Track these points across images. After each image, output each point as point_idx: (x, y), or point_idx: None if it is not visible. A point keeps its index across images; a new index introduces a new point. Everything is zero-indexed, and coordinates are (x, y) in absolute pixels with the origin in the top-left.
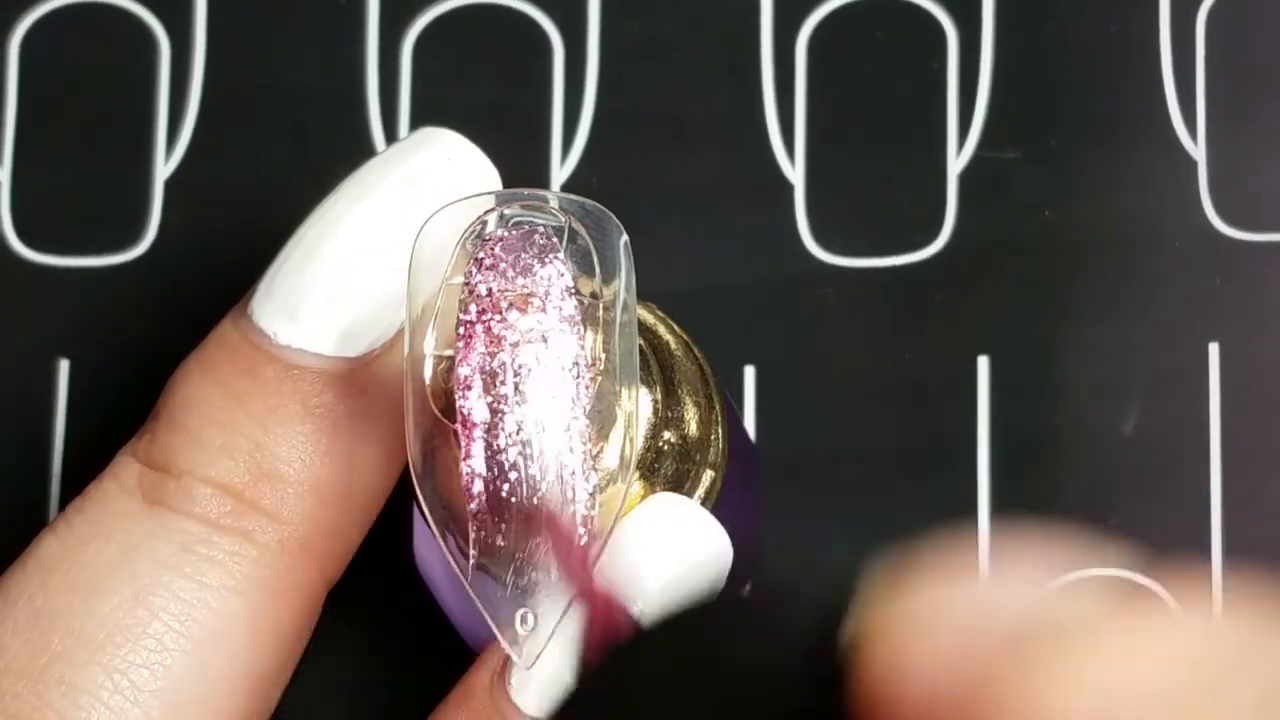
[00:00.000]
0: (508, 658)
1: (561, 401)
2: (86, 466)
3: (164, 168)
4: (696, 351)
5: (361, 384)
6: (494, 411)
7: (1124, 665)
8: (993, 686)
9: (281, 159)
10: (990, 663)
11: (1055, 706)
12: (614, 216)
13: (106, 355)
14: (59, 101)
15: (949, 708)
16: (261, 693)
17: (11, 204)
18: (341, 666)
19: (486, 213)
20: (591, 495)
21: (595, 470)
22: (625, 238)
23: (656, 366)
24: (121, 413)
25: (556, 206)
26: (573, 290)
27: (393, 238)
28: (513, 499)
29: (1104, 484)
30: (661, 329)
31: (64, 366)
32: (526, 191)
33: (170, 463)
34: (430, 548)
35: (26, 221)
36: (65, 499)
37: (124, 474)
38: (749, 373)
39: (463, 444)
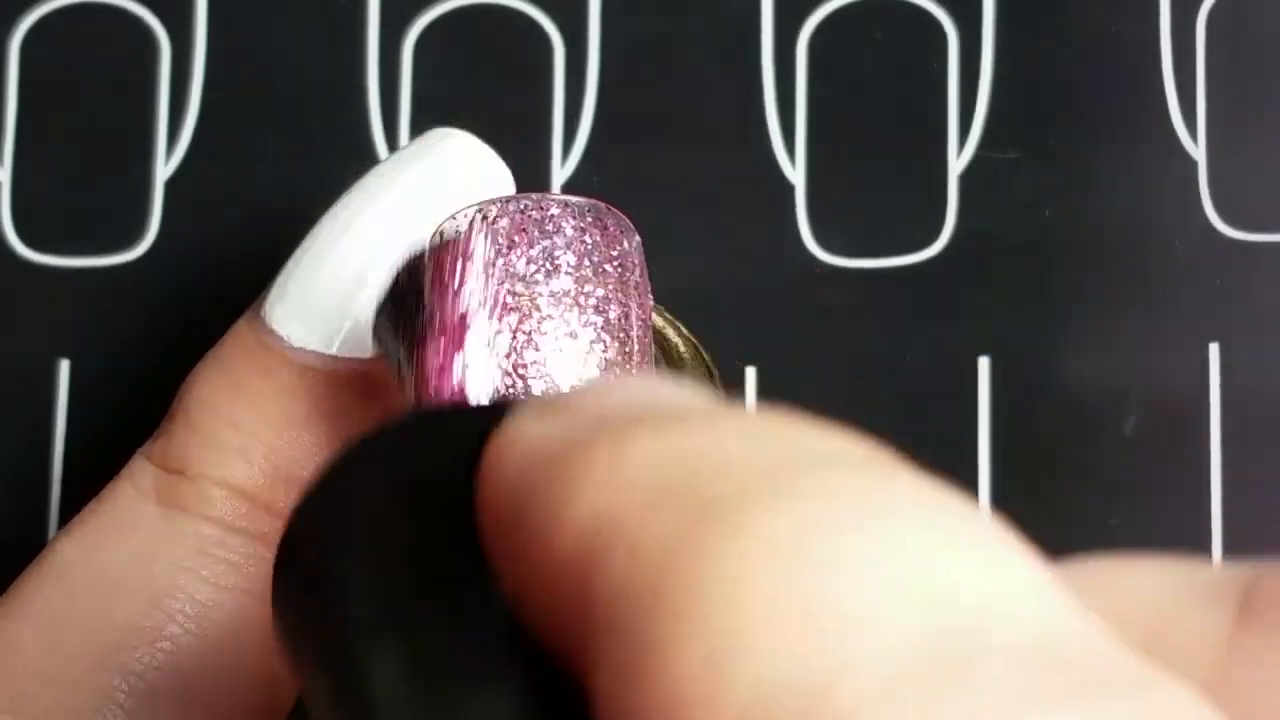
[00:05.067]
0: None
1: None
2: (87, 467)
3: (164, 168)
4: (704, 354)
5: (375, 386)
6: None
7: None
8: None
9: (281, 159)
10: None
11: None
12: (625, 218)
13: (106, 355)
14: (59, 101)
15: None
16: (275, 695)
17: (11, 204)
18: None
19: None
20: None
21: None
22: (638, 238)
23: (666, 369)
24: (122, 413)
25: (566, 208)
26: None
27: (406, 240)
28: None
29: (1104, 484)
30: (670, 331)
31: (64, 366)
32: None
33: (185, 465)
34: None
35: (26, 221)
36: (66, 499)
37: (139, 476)
38: (749, 373)
39: None
